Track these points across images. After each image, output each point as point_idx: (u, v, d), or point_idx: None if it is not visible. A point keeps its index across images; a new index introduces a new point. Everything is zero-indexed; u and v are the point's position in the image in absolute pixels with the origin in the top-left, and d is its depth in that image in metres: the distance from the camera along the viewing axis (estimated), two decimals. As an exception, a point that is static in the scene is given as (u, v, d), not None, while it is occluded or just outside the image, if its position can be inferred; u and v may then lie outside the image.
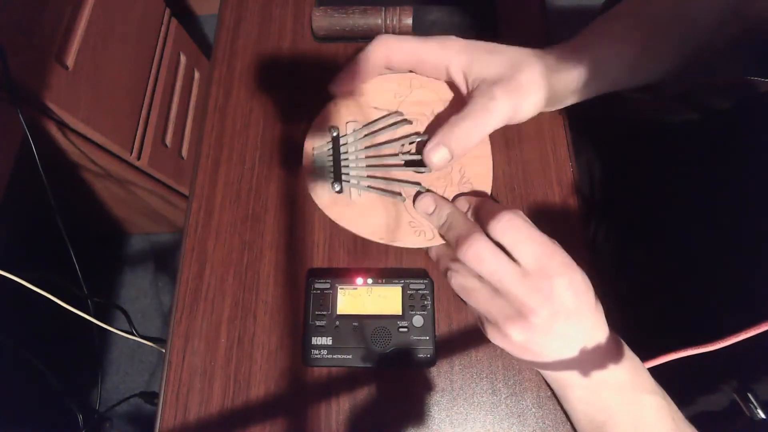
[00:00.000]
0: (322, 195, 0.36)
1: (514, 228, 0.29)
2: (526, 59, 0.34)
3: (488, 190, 0.36)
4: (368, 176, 0.36)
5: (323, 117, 0.38)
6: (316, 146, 0.37)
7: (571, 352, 0.30)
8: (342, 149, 0.36)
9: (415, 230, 0.35)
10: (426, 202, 0.34)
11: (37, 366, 0.59)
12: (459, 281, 0.32)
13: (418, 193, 0.35)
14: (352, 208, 0.36)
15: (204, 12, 1.49)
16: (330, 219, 0.36)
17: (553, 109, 0.39)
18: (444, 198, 0.35)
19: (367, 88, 0.38)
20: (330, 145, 0.37)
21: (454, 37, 0.35)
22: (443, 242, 0.34)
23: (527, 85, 0.33)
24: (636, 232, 0.50)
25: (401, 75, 0.38)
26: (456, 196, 0.35)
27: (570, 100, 0.38)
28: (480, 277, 0.30)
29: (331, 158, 0.36)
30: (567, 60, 0.35)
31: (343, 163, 0.36)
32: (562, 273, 0.29)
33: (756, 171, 0.38)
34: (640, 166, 0.51)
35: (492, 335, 0.31)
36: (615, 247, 0.52)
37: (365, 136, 0.37)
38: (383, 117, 0.38)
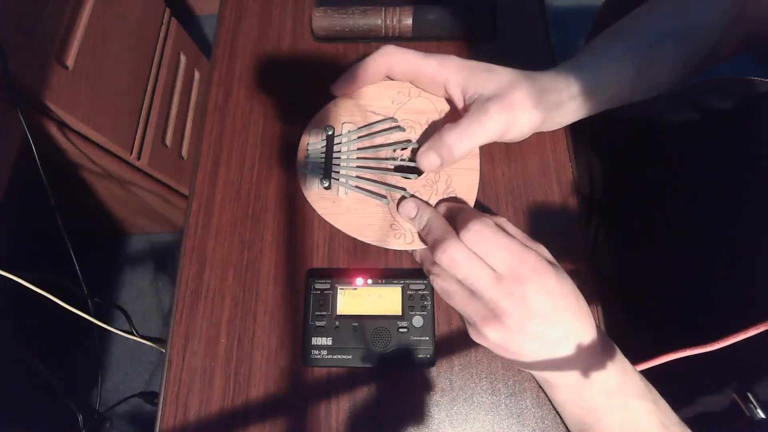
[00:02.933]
0: (311, 189, 0.37)
1: (483, 238, 0.30)
2: (521, 79, 0.34)
3: (471, 202, 0.36)
4: (357, 176, 0.37)
5: (322, 115, 0.39)
6: (311, 142, 0.38)
7: (551, 353, 0.30)
8: (335, 148, 0.38)
9: (396, 233, 0.36)
10: (409, 207, 0.35)
11: (37, 366, 0.59)
12: (439, 283, 0.33)
13: (402, 198, 0.36)
14: (337, 204, 0.37)
15: (204, 12, 1.49)
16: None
17: (552, 129, 0.39)
18: (427, 203, 0.36)
19: (367, 92, 0.39)
20: (324, 143, 0.38)
21: (453, 56, 0.36)
22: (423, 246, 0.35)
23: (520, 104, 0.34)
24: (636, 231, 0.50)
25: (402, 83, 0.39)
26: (438, 202, 0.36)
27: (567, 119, 0.38)
28: (458, 280, 0.31)
29: (323, 155, 0.37)
30: (564, 81, 0.35)
31: (334, 162, 0.37)
32: (534, 277, 0.29)
33: (756, 171, 0.38)
34: (640, 166, 0.51)
35: (472, 335, 0.32)
36: (615, 247, 0.52)
37: (359, 138, 0.38)
38: (378, 121, 0.38)
